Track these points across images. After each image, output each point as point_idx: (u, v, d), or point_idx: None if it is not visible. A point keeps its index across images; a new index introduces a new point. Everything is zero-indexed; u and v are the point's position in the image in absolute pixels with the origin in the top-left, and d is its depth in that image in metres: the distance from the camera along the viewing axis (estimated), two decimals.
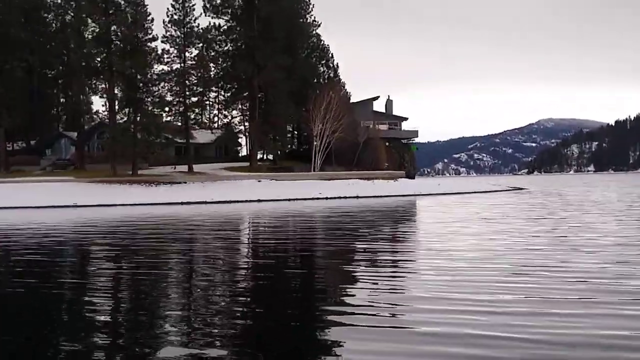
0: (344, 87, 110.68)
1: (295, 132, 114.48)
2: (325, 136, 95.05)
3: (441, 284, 14.40)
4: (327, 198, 63.83)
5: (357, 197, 66.23)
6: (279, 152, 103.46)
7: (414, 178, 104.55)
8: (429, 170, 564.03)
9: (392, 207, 49.64)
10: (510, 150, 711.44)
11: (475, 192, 78.69)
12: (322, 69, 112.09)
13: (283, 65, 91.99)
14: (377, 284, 14.71)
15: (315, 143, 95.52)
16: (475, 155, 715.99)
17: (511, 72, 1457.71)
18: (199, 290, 14.59)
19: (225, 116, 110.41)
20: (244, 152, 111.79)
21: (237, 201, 64.66)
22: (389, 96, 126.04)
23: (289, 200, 65.16)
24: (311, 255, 20.93)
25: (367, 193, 71.54)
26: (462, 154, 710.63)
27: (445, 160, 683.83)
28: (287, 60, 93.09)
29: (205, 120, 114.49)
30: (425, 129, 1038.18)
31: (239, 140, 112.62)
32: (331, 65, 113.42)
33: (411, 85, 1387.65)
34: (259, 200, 64.78)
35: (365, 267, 17.39)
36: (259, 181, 79.69)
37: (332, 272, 17.13)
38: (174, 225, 35.07)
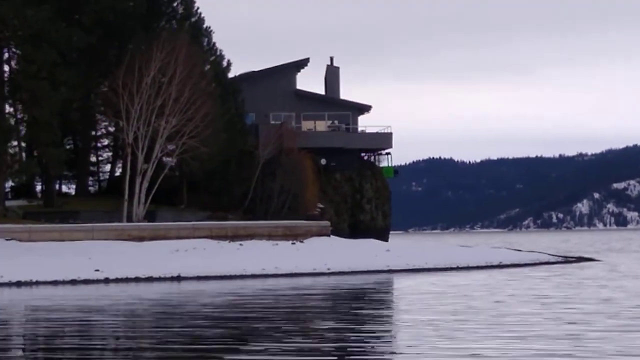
0: (207, 35, 60.78)
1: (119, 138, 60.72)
2: (158, 147, 51.88)
3: None
4: (106, 281, 39.00)
5: (179, 278, 40.13)
6: (59, 181, 60.79)
7: (385, 238, 64.16)
8: (557, 215, 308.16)
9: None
10: None
11: (468, 268, 44.37)
12: None
13: None
14: None
15: (140, 162, 52.11)
16: None
17: None
18: None
19: None
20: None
21: None
22: (331, 59, 71.68)
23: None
24: None
25: (206, 269, 41.08)
26: (632, 181, 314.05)
27: (596, 195, 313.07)
28: None
29: None
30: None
31: None
32: None
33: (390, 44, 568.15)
34: None
35: None
36: None
37: None
38: None
